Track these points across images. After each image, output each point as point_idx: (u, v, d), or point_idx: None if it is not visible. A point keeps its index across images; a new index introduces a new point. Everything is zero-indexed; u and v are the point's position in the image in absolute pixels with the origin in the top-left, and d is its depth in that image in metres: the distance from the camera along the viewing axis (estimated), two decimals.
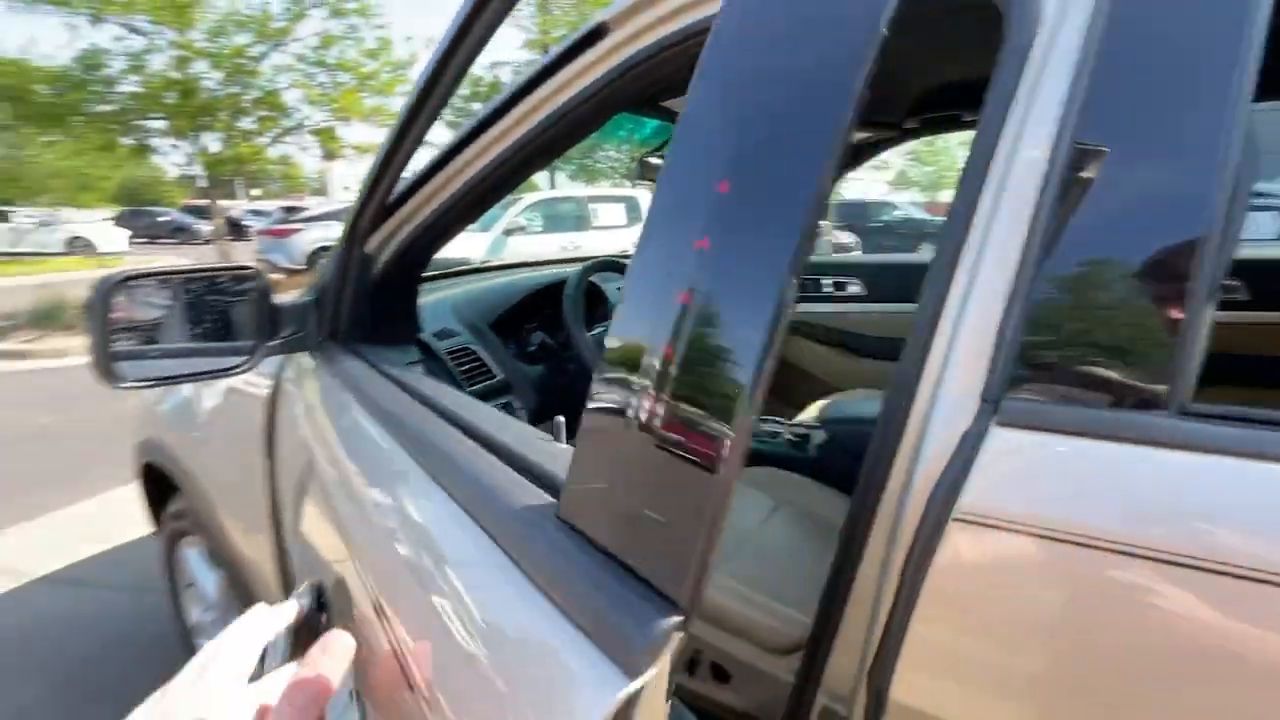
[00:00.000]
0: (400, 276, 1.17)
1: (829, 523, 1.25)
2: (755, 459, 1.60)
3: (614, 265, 1.76)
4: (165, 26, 8.77)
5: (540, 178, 12.87)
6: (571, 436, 0.53)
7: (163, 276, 0.94)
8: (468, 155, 0.94)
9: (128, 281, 0.86)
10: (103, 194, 16.41)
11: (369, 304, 1.09)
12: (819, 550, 1.15)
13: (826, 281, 2.46)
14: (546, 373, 1.59)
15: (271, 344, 0.99)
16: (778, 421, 1.90)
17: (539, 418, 1.51)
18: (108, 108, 9.30)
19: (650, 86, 0.77)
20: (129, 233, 17.81)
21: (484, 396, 1.38)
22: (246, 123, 9.97)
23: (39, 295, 7.70)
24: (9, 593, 2.39)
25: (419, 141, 0.94)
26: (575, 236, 9.02)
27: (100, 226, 16.73)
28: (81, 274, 11.02)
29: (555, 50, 0.82)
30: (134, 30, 8.90)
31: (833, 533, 1.36)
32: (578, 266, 1.63)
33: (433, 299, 1.61)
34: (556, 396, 1.58)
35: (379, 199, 1.02)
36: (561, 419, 0.64)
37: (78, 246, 15.45)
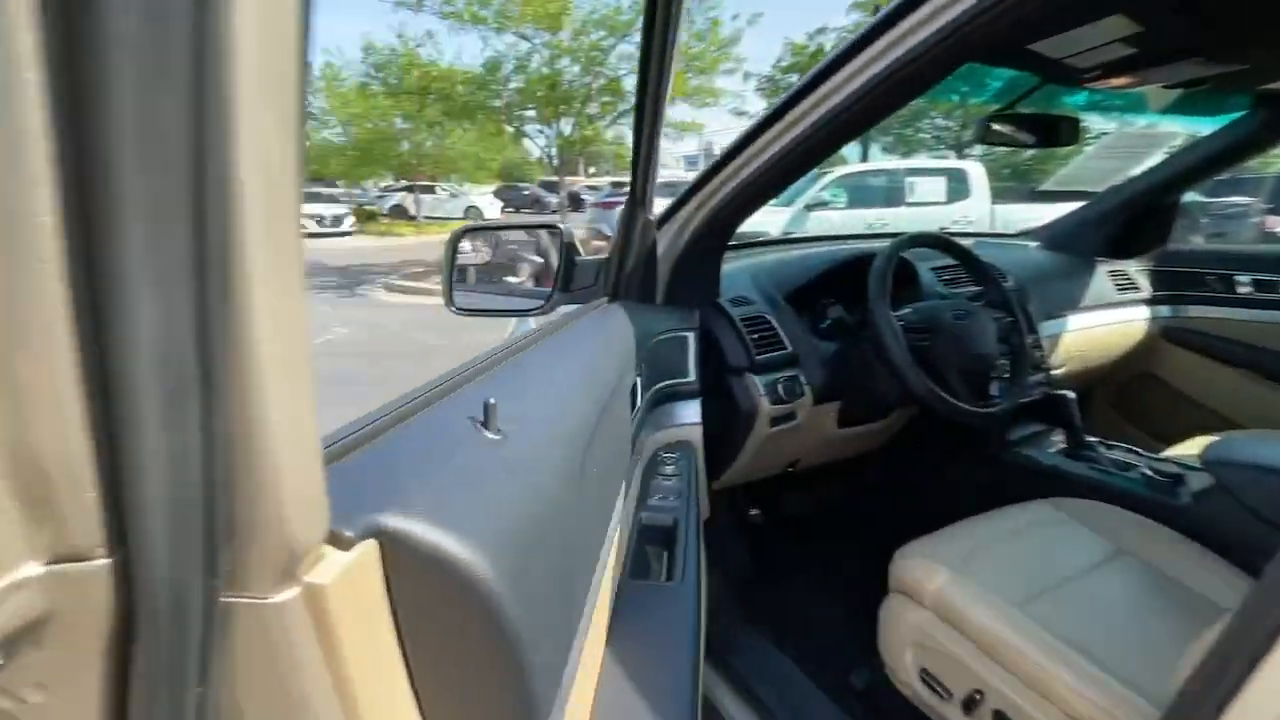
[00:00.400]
0: (707, 243, 1.22)
1: (1192, 590, 0.95)
2: (1093, 490, 1.29)
3: (936, 241, 1.56)
4: (543, 31, 10.65)
5: (851, 151, 12.19)
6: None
7: (491, 228, 1.16)
8: (780, 126, 0.93)
9: (469, 232, 1.09)
10: (490, 172, 20.95)
11: (652, 268, 1.18)
12: (1170, 621, 0.92)
13: (1244, 279, 1.82)
14: (838, 351, 1.50)
15: (566, 294, 1.13)
16: (1134, 451, 1.49)
17: (824, 396, 1.44)
18: (499, 103, 11.75)
19: (1017, 26, 0.63)
20: (502, 203, 22.51)
21: (771, 367, 1.36)
22: (592, 108, 11.62)
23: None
24: None
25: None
26: (885, 213, 8.31)
27: (486, 198, 21.59)
28: None
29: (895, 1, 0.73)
30: (523, 37, 11.02)
31: (1196, 603, 0.99)
32: (890, 241, 1.49)
33: (732, 267, 1.64)
34: (844, 376, 1.48)
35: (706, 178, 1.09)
36: (493, 400, 0.46)
37: (471, 214, 20.29)
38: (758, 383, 1.35)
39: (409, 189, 19.81)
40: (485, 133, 14.20)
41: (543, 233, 1.16)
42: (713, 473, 1.46)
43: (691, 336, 1.19)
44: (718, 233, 1.25)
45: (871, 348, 1.42)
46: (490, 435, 0.44)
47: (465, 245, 1.14)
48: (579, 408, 0.60)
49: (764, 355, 1.37)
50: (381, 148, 15.84)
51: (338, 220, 17.11)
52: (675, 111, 12.64)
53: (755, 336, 1.39)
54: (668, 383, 1.17)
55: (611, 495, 0.72)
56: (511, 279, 1.20)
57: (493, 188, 23.73)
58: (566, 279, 1.12)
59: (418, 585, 0.32)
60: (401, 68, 12.05)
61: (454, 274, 1.10)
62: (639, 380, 1.02)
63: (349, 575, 0.29)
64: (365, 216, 19.52)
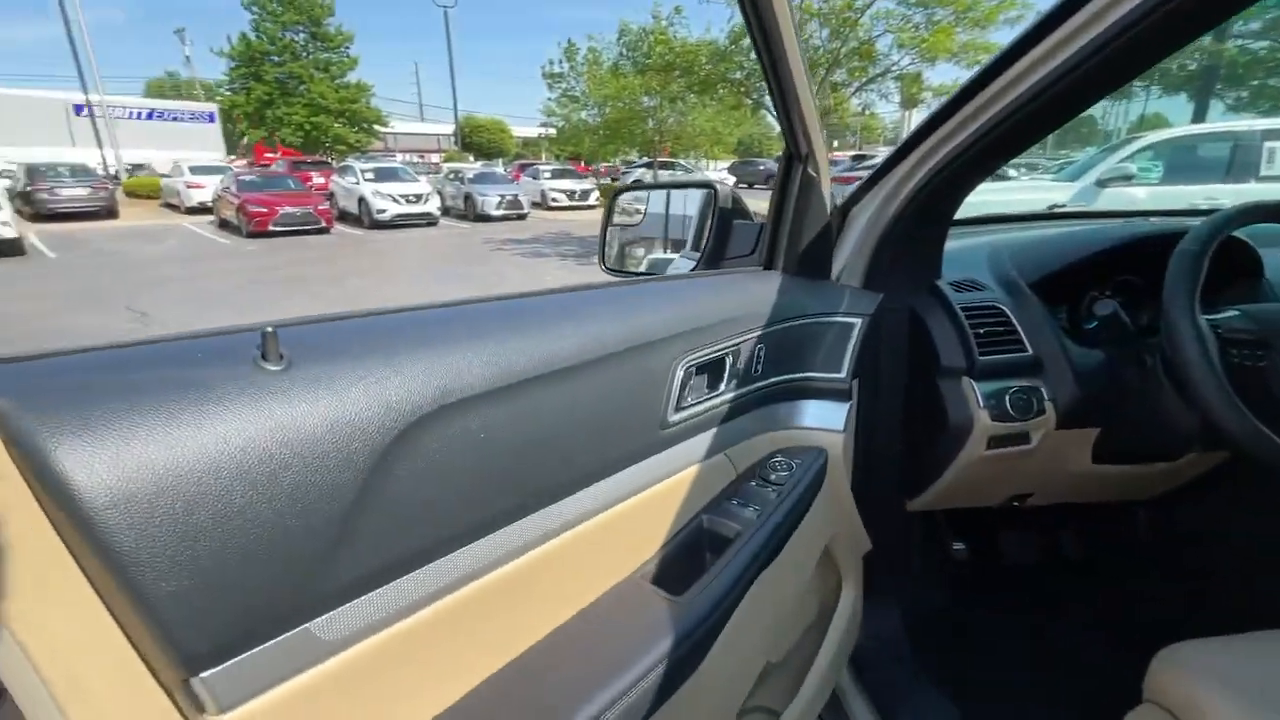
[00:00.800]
0: (924, 215, 0.99)
1: None
2: None
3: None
4: None
5: (1175, 110, 9.52)
6: None
7: (648, 188, 1.06)
8: (1027, 62, 0.73)
9: (626, 190, 1.01)
10: (727, 147, 21.04)
11: (824, 235, 0.98)
12: None
13: None
14: (1106, 361, 1.11)
15: (722, 259, 1.00)
16: None
17: (1074, 418, 1.09)
18: (739, 74, 11.54)
19: None
20: (734, 179, 22.49)
21: (998, 372, 1.08)
22: (838, 75, 10.80)
23: None
24: None
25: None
26: (1220, 190, 6.29)
27: (721, 174, 21.78)
28: None
29: None
30: None
31: None
32: (1210, 215, 1.04)
33: (963, 244, 1.33)
34: (1112, 396, 1.10)
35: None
36: (271, 329, 0.44)
37: None
38: (976, 390, 1.08)
39: (649, 165, 20.80)
40: (725, 106, 14.16)
41: (699, 192, 1.05)
42: (908, 490, 1.21)
43: (859, 325, 0.96)
44: (939, 203, 1.02)
45: (1161, 361, 1.02)
46: (269, 366, 0.44)
47: (626, 205, 1.08)
48: (508, 363, 0.57)
49: (990, 356, 1.08)
50: (628, 126, 16.83)
51: (585, 195, 18.78)
52: (936, 74, 11.16)
53: (981, 331, 1.09)
54: (802, 375, 0.96)
55: (564, 472, 0.64)
56: (668, 240, 1.09)
57: (728, 163, 23.80)
58: (718, 242, 1.01)
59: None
60: (650, 45, 12.53)
61: (608, 234, 1.05)
62: (740, 361, 0.85)
63: None
64: (608, 192, 21.12)
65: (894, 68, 10.74)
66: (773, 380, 0.92)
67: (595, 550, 0.69)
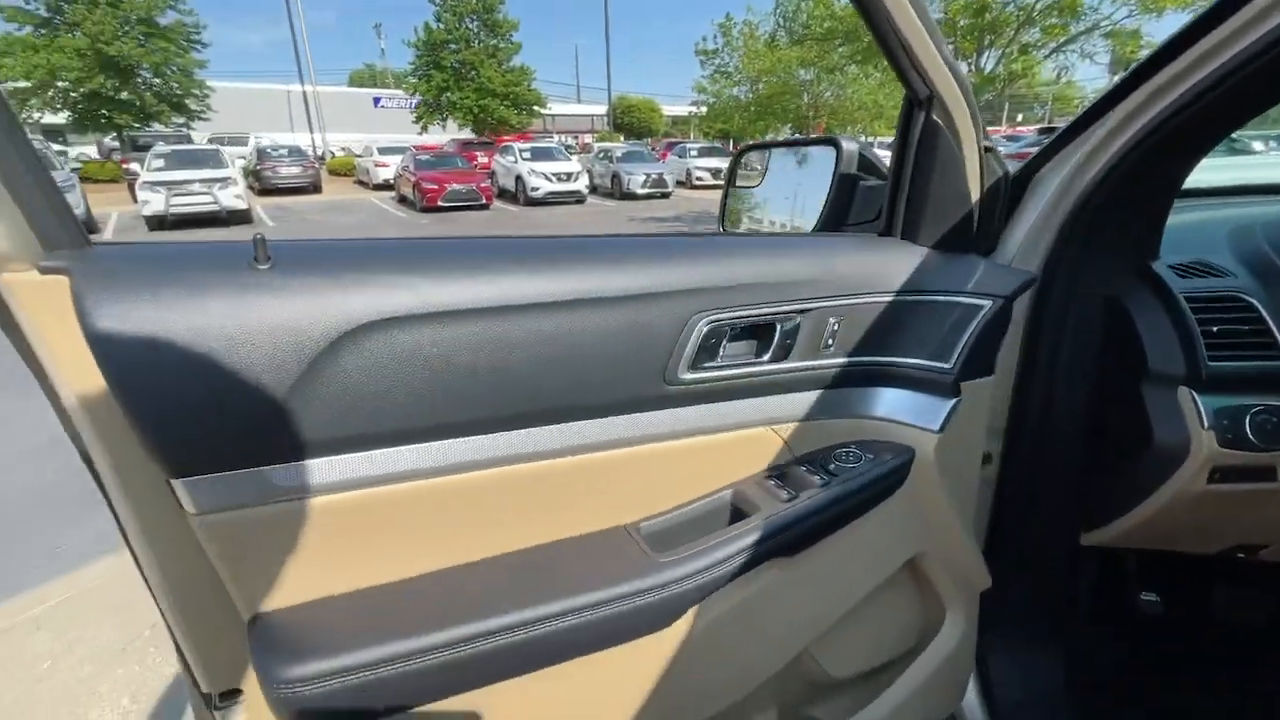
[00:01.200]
0: (1135, 181, 0.80)
1: None
2: None
3: None
4: None
5: None
6: None
7: (769, 146, 0.99)
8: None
9: (748, 150, 0.98)
10: (889, 122, 19.41)
11: (957, 197, 0.81)
12: None
13: None
14: None
15: (842, 222, 0.91)
16: None
17: None
18: None
19: None
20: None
21: (1237, 384, 0.87)
22: (1029, 35, 9.43)
23: None
24: None
25: None
26: None
27: (882, 150, 20.29)
28: None
29: None
30: None
31: None
32: None
33: (1195, 218, 1.08)
34: None
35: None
36: (261, 236, 0.57)
37: None
38: (1199, 405, 0.87)
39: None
40: (890, 77, 13.05)
41: (821, 151, 0.95)
42: (1085, 520, 1.00)
43: (986, 309, 0.77)
44: (1155, 169, 0.83)
45: None
46: (258, 265, 0.56)
47: (749, 167, 0.98)
48: (478, 292, 0.62)
49: (1226, 362, 0.86)
50: (780, 101, 16.16)
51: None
52: (1160, 27, 9.37)
53: (1214, 329, 0.87)
54: (891, 360, 0.80)
55: (526, 402, 0.66)
56: (798, 202, 0.98)
57: (889, 139, 22.08)
58: (838, 206, 0.90)
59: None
60: (810, 12, 11.82)
61: (728, 197, 1.00)
62: (801, 332, 0.75)
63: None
64: None
65: (1104, 22, 9.14)
66: (849, 360, 0.79)
67: (572, 490, 0.71)
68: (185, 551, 0.59)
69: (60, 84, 19.24)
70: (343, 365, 0.57)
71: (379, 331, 0.58)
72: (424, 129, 27.77)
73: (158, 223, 10.68)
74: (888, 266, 0.79)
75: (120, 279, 0.53)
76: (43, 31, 18.94)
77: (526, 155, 15.37)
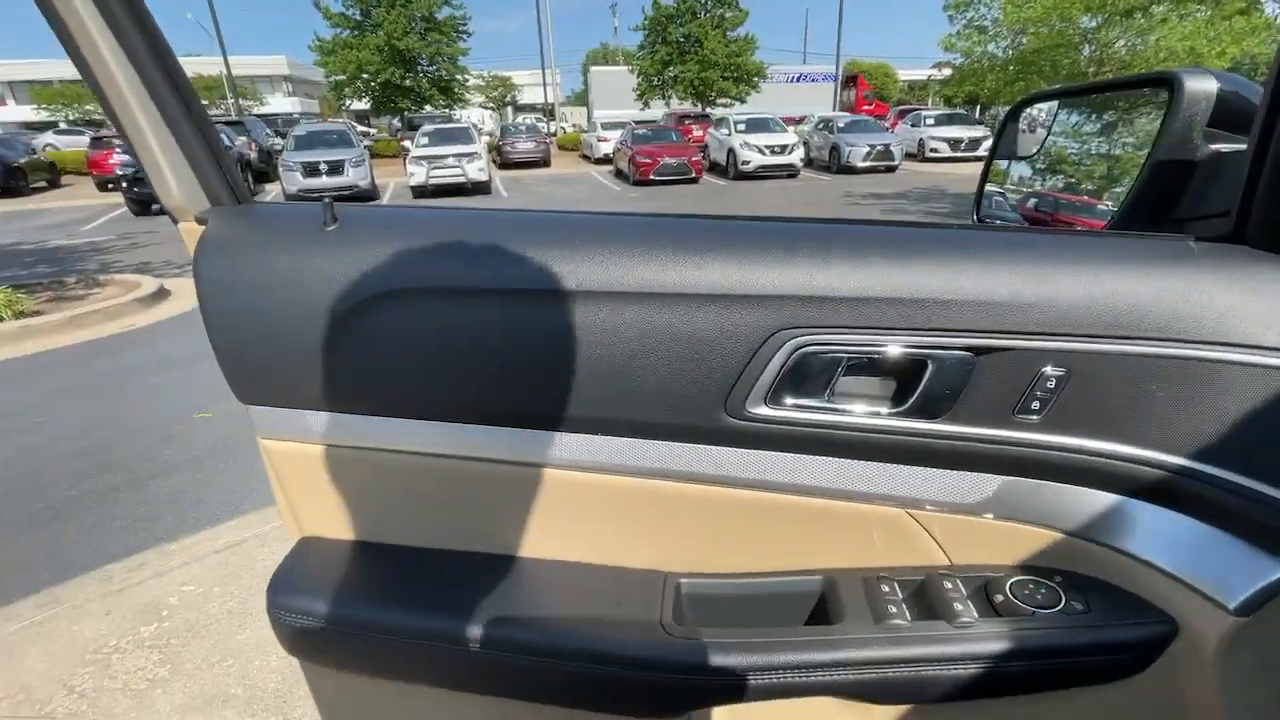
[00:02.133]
0: None
1: None
2: None
3: None
4: None
5: None
6: None
7: (1059, 95, 0.69)
8: None
9: (1031, 101, 0.70)
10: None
11: None
12: None
13: None
14: None
15: (1167, 212, 0.58)
16: None
17: None
18: None
19: None
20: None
21: None
22: None
23: None
24: None
25: None
26: None
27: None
28: None
29: None
30: None
31: None
32: None
33: None
34: None
35: None
36: (329, 199, 0.66)
37: None
38: None
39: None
40: (1219, 14, 9.96)
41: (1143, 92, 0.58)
42: None
43: None
44: None
45: None
46: (327, 227, 0.63)
47: (1028, 129, 0.62)
48: (530, 272, 0.59)
49: None
50: (1050, 56, 13.44)
51: (974, 144, 16.02)
52: None
53: None
54: (1157, 457, 0.47)
55: (547, 404, 0.62)
56: (1103, 182, 0.60)
57: None
58: (1160, 183, 0.56)
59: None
60: None
61: (1006, 151, 0.68)
62: (978, 379, 0.50)
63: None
64: None
65: None
66: (1066, 441, 0.49)
67: (610, 509, 0.65)
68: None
69: (364, 76, 23.41)
70: (373, 330, 0.62)
71: (408, 301, 0.61)
72: (645, 105, 28.60)
73: (419, 192, 12.47)
74: (1216, 299, 0.45)
75: (231, 232, 0.63)
76: (356, 33, 23.12)
77: (741, 127, 14.96)
